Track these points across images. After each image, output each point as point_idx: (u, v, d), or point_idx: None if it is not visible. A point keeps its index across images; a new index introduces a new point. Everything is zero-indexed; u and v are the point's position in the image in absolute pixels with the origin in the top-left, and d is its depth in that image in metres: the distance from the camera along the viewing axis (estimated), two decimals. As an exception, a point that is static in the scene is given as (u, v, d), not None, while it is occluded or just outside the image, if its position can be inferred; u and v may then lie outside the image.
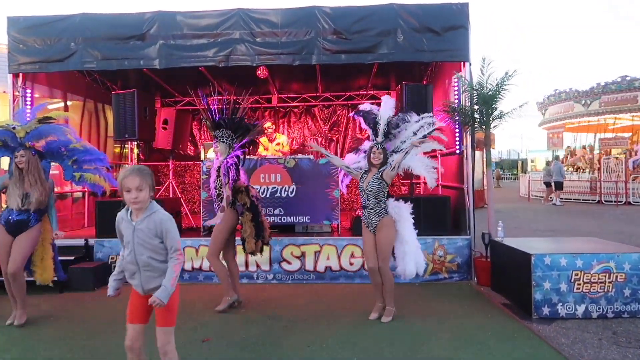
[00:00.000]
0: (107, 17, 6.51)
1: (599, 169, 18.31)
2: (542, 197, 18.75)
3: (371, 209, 4.63)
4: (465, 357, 3.69)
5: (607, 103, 19.98)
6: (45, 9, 24.22)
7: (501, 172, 40.41)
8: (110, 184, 5.08)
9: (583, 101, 21.04)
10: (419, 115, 5.00)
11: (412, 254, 4.60)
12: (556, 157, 19.77)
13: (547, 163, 20.01)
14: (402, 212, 4.66)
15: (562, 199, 17.73)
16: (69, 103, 8.02)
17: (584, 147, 23.62)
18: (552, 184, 18.04)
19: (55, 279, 4.98)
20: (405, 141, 4.82)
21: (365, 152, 4.93)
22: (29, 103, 6.83)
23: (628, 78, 19.39)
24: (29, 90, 6.86)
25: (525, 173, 29.17)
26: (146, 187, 2.62)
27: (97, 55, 6.41)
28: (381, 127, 4.77)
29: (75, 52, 6.42)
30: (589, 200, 17.94)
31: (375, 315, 4.69)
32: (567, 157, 22.61)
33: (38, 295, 5.45)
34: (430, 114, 5.03)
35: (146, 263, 2.65)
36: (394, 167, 4.55)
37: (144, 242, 2.64)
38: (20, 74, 6.69)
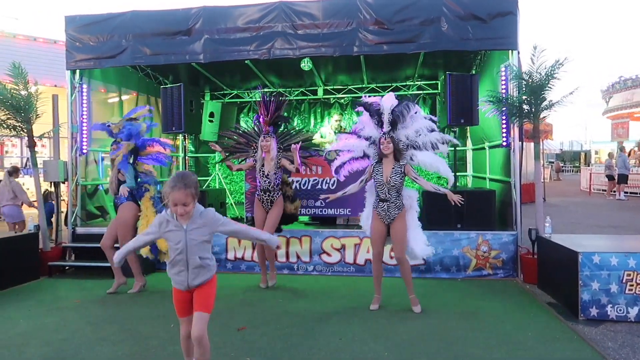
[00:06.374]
0: (155, 14, 6.73)
1: None
2: (605, 190, 17.71)
3: (392, 202, 4.61)
4: (498, 356, 3.57)
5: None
6: (100, 7, 25.33)
7: (562, 165, 38.23)
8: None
9: None
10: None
11: (418, 238, 4.67)
12: (621, 149, 18.53)
13: (610, 155, 18.81)
14: (412, 202, 4.74)
15: (626, 193, 16.65)
16: (124, 97, 8.39)
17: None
18: (615, 177, 16.97)
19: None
20: (420, 134, 4.74)
21: (359, 136, 4.96)
22: (85, 97, 7.21)
23: None
24: (85, 85, 7.23)
25: (588, 165, 27.49)
26: (192, 200, 2.72)
27: (146, 51, 6.66)
28: (385, 117, 4.70)
29: (126, 48, 6.70)
30: (657, 195, 16.75)
31: (376, 306, 4.75)
32: (634, 152, 21.20)
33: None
34: (435, 118, 4.92)
35: (197, 263, 2.79)
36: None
37: (196, 244, 2.78)
38: (77, 70, 7.06)
